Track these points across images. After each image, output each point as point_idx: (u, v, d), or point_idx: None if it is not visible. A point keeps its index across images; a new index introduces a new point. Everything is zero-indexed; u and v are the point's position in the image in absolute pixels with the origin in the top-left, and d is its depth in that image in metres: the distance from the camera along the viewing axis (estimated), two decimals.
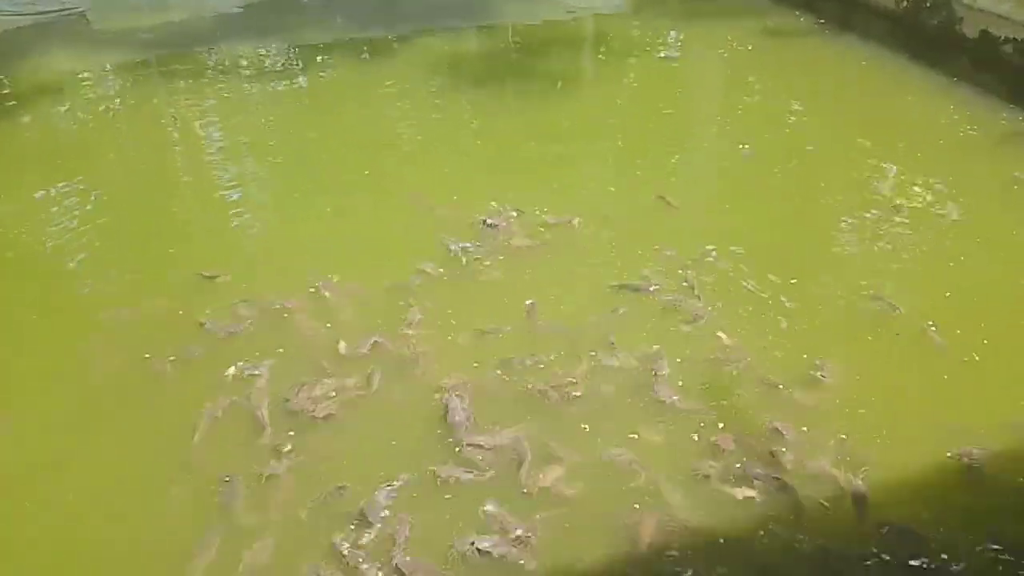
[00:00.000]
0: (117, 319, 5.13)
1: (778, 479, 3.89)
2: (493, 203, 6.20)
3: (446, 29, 10.65)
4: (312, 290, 5.30)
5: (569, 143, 7.52)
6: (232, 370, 4.64)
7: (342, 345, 4.79)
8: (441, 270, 5.51)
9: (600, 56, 10.08)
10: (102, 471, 4.13)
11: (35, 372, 4.87)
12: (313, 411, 4.33)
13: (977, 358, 4.64)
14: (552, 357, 4.70)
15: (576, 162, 7.15)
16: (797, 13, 10.65)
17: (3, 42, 10.39)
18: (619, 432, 4.20)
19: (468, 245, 5.72)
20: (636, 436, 4.17)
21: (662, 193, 6.35)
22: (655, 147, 7.62)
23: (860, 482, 3.87)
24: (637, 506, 3.81)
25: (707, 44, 10.00)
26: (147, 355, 4.79)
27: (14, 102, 8.62)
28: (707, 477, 3.93)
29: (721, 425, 4.25)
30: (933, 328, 4.86)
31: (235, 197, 6.74)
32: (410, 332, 4.89)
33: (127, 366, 4.75)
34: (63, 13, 11.19)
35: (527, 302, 5.15)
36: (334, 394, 4.45)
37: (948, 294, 5.25)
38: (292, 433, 4.25)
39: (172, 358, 4.76)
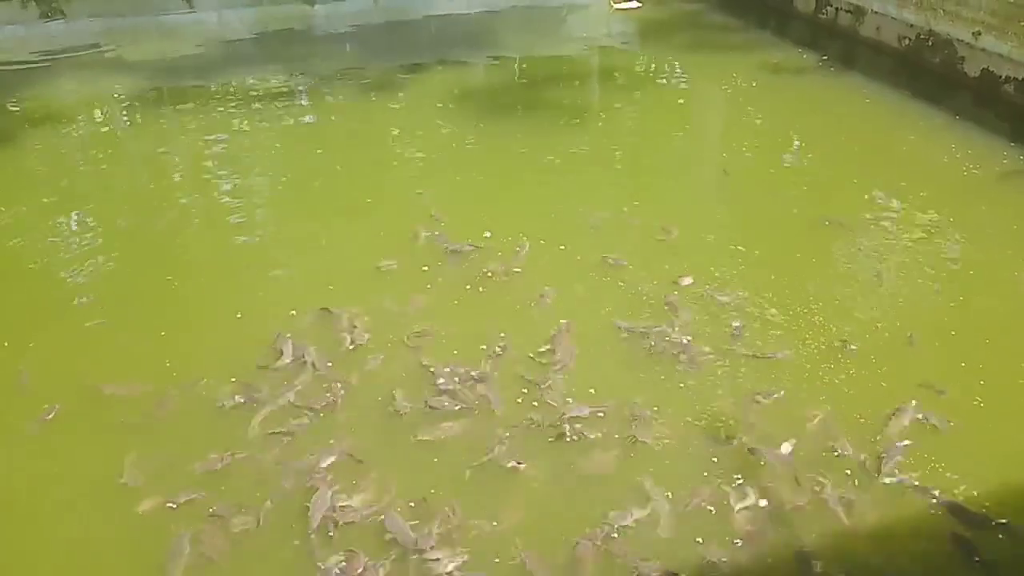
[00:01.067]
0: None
1: None
2: (487, 233, 6.35)
3: (454, 61, 10.79)
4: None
5: (568, 173, 7.59)
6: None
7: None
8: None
9: (605, 89, 10.19)
10: None
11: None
12: None
13: (981, 404, 4.65)
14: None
15: (573, 192, 7.19)
16: (800, 50, 10.76)
17: (19, 73, 10.54)
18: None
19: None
20: None
21: (665, 224, 6.44)
22: (654, 179, 7.71)
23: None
24: None
25: (711, 79, 10.10)
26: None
27: (25, 127, 8.72)
28: None
29: (715, 458, 4.27)
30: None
31: (235, 221, 6.87)
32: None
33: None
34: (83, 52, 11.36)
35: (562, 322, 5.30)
36: None
37: (953, 333, 5.25)
38: None
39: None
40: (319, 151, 8.20)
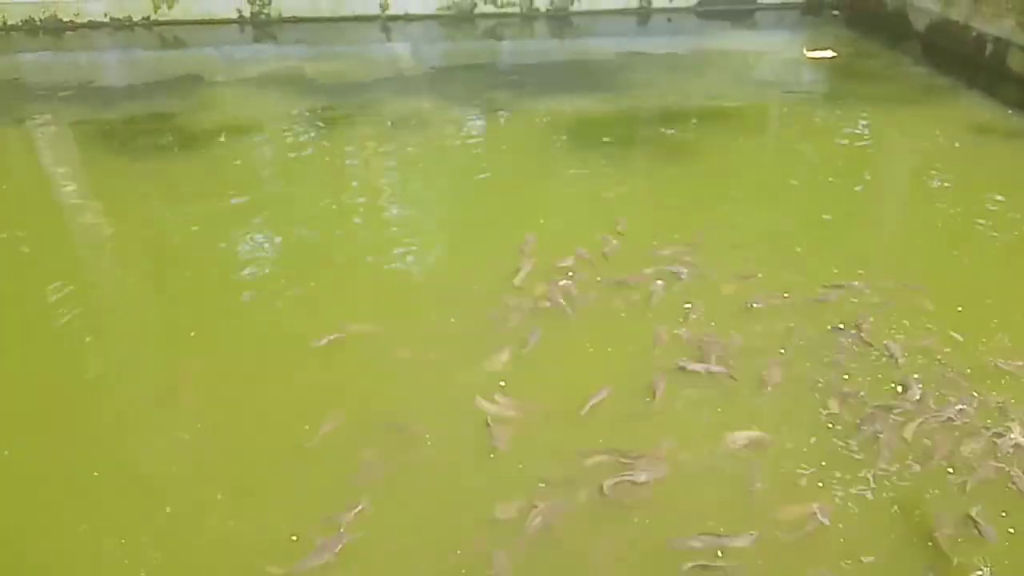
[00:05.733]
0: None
1: None
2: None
3: (629, 100, 10.67)
4: None
5: (715, 219, 7.25)
6: None
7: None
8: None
9: (780, 138, 9.70)
10: None
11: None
12: None
13: None
14: None
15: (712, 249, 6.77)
16: (1011, 112, 9.76)
17: (222, 87, 11.54)
18: None
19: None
20: None
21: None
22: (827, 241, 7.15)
23: None
24: None
25: (906, 135, 9.37)
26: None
27: (219, 135, 9.48)
28: None
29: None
30: None
31: (393, 213, 7.30)
32: None
33: None
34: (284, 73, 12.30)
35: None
36: None
37: None
38: None
39: None
40: (484, 170, 8.51)
